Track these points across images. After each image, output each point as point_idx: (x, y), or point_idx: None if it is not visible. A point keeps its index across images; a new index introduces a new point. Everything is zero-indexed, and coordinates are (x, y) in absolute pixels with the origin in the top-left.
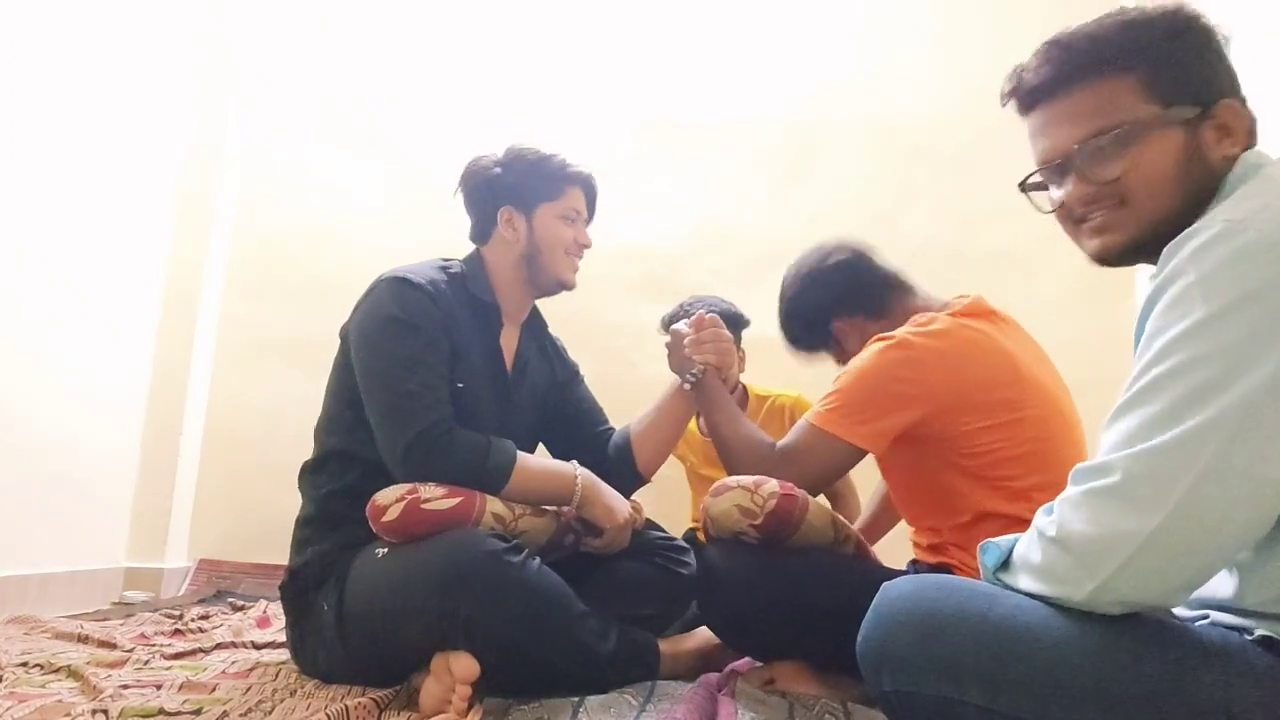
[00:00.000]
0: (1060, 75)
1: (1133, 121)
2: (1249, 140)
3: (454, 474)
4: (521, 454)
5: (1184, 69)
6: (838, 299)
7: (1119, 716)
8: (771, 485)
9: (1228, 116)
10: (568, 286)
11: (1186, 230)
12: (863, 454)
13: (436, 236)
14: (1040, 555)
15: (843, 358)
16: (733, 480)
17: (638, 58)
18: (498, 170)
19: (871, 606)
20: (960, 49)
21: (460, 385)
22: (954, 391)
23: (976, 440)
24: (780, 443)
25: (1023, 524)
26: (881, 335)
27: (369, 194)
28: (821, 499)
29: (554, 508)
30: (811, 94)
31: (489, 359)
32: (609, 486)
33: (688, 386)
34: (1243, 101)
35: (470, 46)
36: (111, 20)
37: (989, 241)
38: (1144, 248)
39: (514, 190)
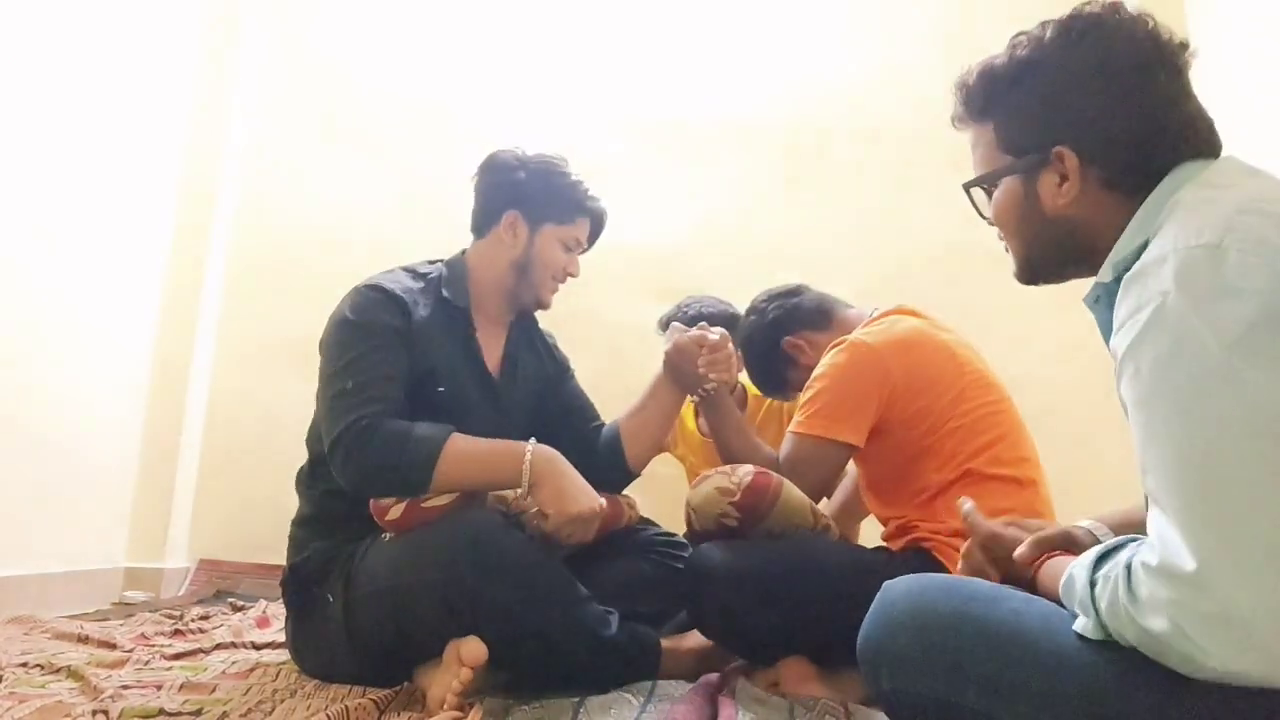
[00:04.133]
0: (956, 114)
1: (988, 173)
2: (1106, 176)
3: (373, 471)
4: (461, 438)
5: (1024, 117)
6: (781, 321)
7: None
8: (747, 467)
9: (1064, 161)
10: (544, 307)
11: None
12: (852, 450)
13: (437, 236)
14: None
15: (801, 374)
16: (709, 471)
17: (639, 58)
18: (520, 174)
19: (873, 605)
20: (960, 49)
21: (441, 390)
22: (908, 375)
23: (929, 416)
24: (781, 455)
25: (974, 482)
26: (834, 342)
27: (369, 194)
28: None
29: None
30: (811, 94)
31: (470, 362)
32: (577, 476)
33: (696, 400)
34: (1099, 138)
35: (472, 46)
36: (113, 21)
37: (989, 241)
38: (1040, 277)
39: (528, 199)
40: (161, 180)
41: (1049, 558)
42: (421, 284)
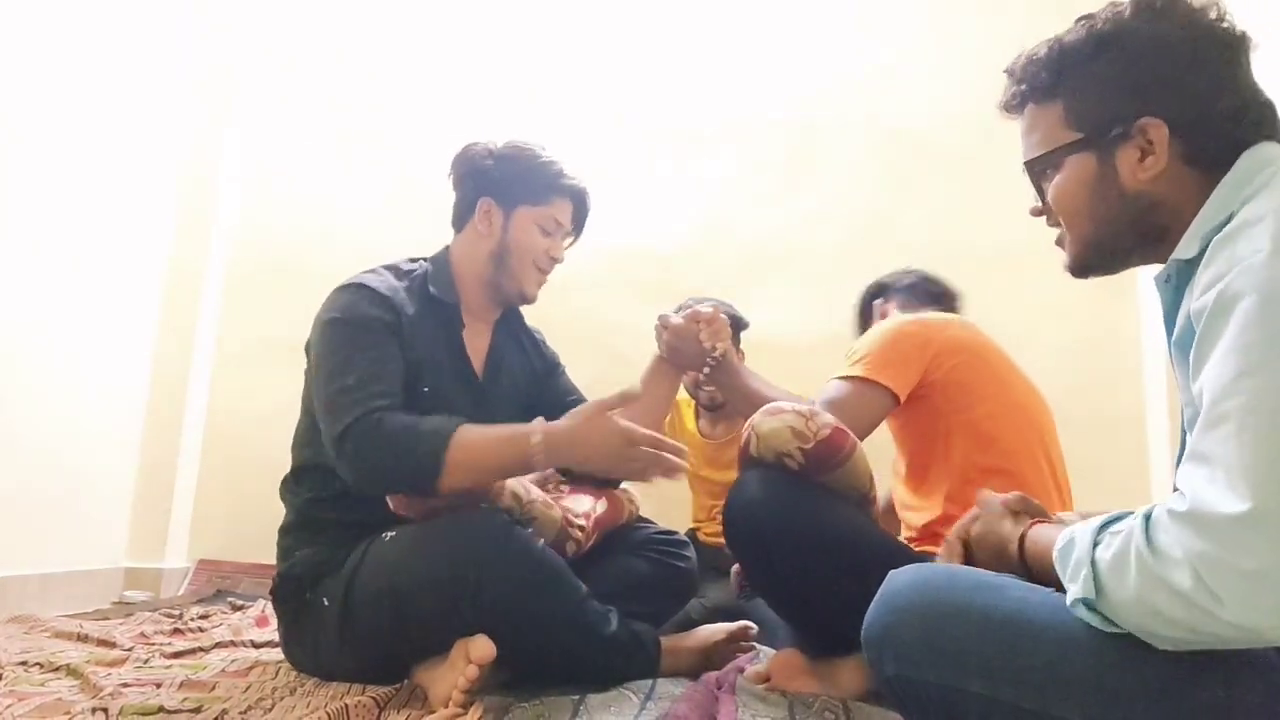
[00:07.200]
0: (1013, 98)
1: (1053, 150)
2: (1190, 151)
3: (381, 466)
4: (469, 428)
5: (1100, 91)
6: (891, 289)
7: (1120, 713)
8: (826, 417)
9: (1149, 135)
10: (528, 299)
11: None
12: (894, 401)
13: (435, 237)
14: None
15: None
16: (787, 404)
17: (638, 59)
18: (489, 161)
19: (878, 592)
20: (959, 49)
21: (426, 390)
22: (951, 345)
23: (971, 391)
24: (819, 399)
25: (1003, 474)
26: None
27: (368, 194)
28: None
29: (558, 513)
30: (811, 94)
31: (455, 361)
32: (598, 439)
33: (707, 371)
34: (1190, 111)
35: (470, 48)
36: (113, 22)
37: (989, 241)
38: (1099, 265)
39: (499, 184)
40: (162, 181)
41: (1036, 524)
42: (406, 282)
